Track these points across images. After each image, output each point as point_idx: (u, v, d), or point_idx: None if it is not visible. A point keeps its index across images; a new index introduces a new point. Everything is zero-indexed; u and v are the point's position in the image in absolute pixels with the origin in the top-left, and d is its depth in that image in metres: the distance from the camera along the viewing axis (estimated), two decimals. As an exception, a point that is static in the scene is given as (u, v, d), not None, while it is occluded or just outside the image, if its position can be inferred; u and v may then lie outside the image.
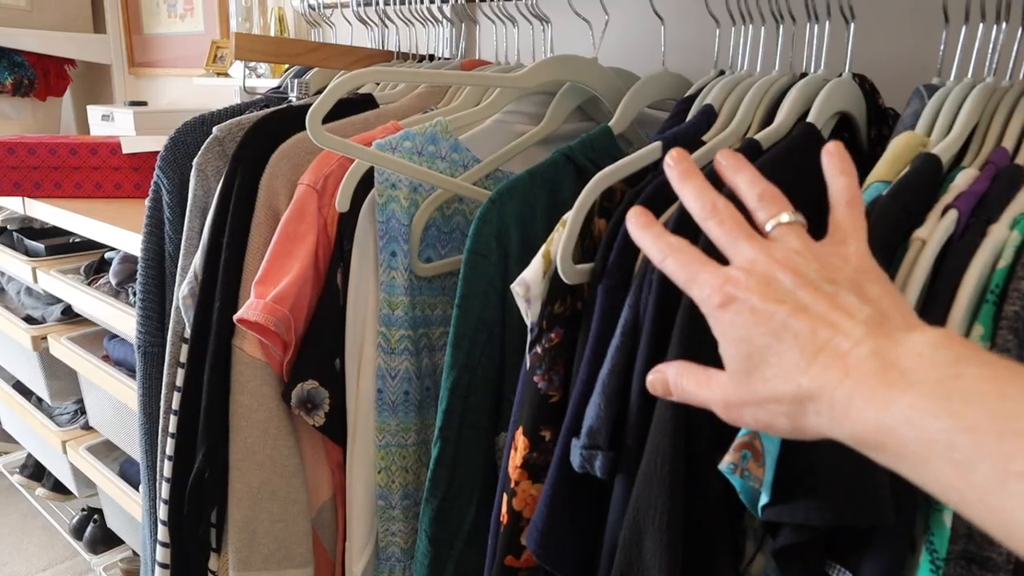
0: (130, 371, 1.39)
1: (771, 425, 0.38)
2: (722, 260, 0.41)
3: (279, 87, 1.21)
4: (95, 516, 1.91)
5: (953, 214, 0.50)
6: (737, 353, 0.38)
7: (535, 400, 0.62)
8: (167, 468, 0.91)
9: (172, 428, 0.90)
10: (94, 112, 2.00)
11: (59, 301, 1.68)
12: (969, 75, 0.66)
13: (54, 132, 2.41)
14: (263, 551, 0.84)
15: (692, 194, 0.43)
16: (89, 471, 1.60)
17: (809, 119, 0.65)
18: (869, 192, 0.55)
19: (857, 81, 0.72)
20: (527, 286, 0.61)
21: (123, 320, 1.33)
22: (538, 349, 0.61)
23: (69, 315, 1.67)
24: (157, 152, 0.99)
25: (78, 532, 1.94)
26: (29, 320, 1.71)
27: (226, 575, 0.86)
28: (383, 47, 1.23)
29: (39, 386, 1.74)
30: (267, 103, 1.10)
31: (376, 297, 0.78)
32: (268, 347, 0.80)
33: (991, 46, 0.65)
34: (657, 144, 0.65)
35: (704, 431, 0.51)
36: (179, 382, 0.90)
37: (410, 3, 1.14)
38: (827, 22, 0.73)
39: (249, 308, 0.76)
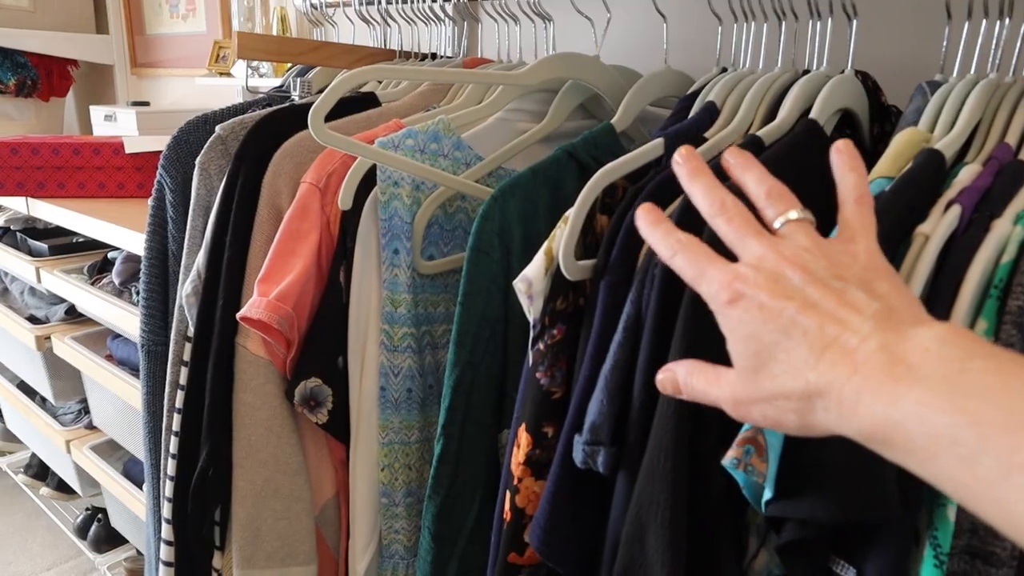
0: (133, 370, 1.40)
1: (780, 422, 0.38)
2: (729, 257, 0.41)
3: (281, 86, 1.21)
4: (99, 515, 1.91)
5: (956, 209, 0.50)
6: (746, 350, 0.38)
7: (538, 397, 0.62)
8: (171, 466, 0.91)
9: (176, 426, 0.90)
10: (97, 112, 2.00)
11: (63, 301, 1.68)
12: (972, 71, 0.65)
13: (57, 132, 2.41)
14: (267, 549, 0.84)
15: (701, 192, 0.43)
16: (93, 470, 1.61)
17: (811, 116, 0.65)
18: (871, 188, 0.55)
19: (859, 78, 0.71)
20: (529, 283, 0.61)
21: (126, 319, 1.33)
22: (540, 345, 0.62)
23: (73, 315, 1.68)
24: (160, 152, 0.99)
25: (82, 531, 1.95)
26: (33, 320, 1.71)
27: (230, 573, 0.87)
28: (385, 46, 1.23)
29: (43, 386, 1.74)
30: (269, 102, 1.10)
31: (379, 295, 0.78)
32: (271, 345, 0.80)
33: (994, 42, 0.65)
34: (659, 141, 0.65)
35: (713, 429, 0.51)
36: (183, 380, 0.90)
37: (412, 2, 1.14)
38: (829, 19, 0.73)
39: (252, 306, 0.76)
